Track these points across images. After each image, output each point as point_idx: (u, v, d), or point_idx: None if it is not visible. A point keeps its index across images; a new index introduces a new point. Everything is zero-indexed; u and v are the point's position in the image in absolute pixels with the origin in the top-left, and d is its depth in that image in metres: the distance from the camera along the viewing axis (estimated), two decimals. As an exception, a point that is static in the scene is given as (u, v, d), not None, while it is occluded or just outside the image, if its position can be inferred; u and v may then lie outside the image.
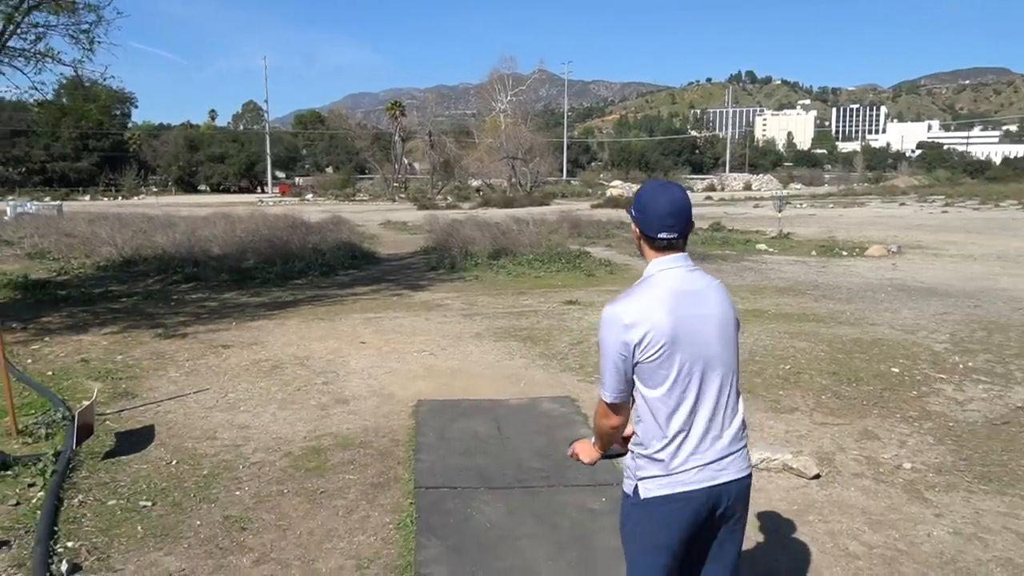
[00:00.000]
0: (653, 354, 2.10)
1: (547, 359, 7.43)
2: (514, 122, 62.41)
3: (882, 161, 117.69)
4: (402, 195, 55.26)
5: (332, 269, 14.16)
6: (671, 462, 2.13)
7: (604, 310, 2.19)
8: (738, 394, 2.23)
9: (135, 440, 5.12)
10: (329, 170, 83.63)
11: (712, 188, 68.43)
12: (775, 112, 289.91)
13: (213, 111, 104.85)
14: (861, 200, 43.06)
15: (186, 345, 7.98)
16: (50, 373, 6.84)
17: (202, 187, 78.69)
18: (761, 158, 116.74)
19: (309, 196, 58.34)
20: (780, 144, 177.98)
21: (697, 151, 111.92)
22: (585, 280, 12.94)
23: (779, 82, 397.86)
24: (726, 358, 2.17)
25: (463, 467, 4.66)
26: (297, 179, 79.79)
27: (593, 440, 2.39)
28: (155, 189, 71.30)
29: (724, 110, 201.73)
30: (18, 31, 8.36)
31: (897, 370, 7.00)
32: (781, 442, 5.18)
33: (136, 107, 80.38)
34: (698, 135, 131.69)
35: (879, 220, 26.83)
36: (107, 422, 5.47)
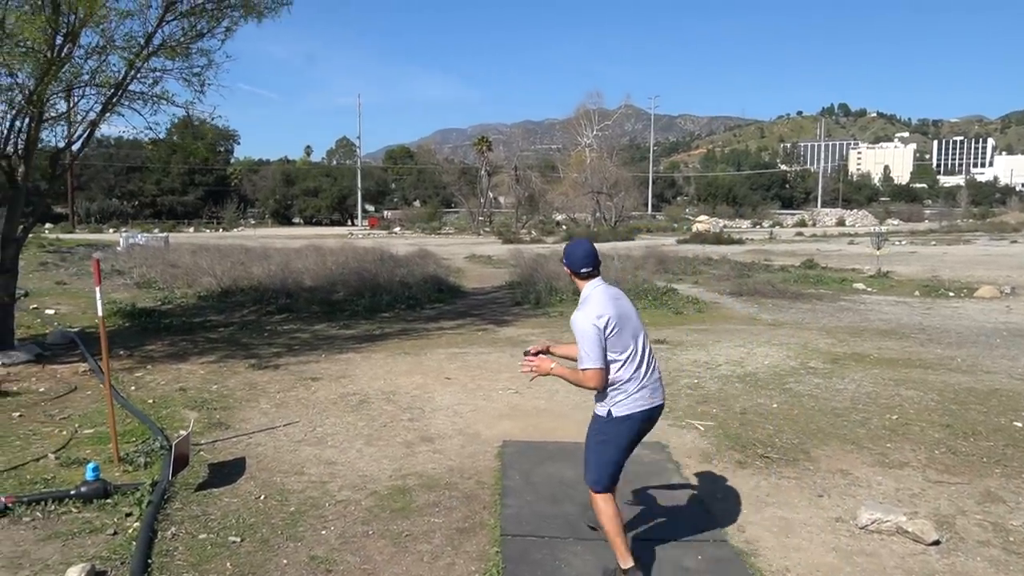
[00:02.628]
0: (612, 331, 3.54)
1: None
2: (599, 157, 62.35)
3: (989, 196, 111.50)
4: (487, 229, 55.86)
5: (418, 303, 14.31)
6: (631, 393, 3.63)
7: (578, 317, 3.62)
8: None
9: (226, 472, 5.20)
10: (417, 204, 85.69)
11: (803, 224, 66.41)
12: (870, 145, 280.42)
13: (308, 147, 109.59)
14: (967, 237, 40.79)
15: (278, 376, 8.15)
16: (151, 401, 7.09)
17: (296, 220, 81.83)
18: (855, 193, 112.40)
19: (397, 229, 59.77)
20: (876, 178, 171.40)
21: (787, 186, 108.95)
22: (672, 318, 12.61)
23: (874, 115, 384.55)
24: (644, 330, 3.81)
25: (551, 515, 4.50)
26: (386, 212, 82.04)
27: (554, 367, 3.75)
28: (253, 221, 74.64)
29: (816, 144, 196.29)
30: (137, 75, 8.87)
31: (1020, 424, 6.44)
32: (892, 501, 4.80)
33: (238, 144, 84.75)
34: (788, 169, 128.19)
35: (988, 259, 25.26)
36: (201, 452, 5.59)
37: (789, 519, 4.57)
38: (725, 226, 55.79)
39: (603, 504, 3.70)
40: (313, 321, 12.26)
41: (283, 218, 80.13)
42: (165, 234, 36.83)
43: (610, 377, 3.59)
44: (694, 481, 5.16)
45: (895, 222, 67.44)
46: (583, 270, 3.79)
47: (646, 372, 3.67)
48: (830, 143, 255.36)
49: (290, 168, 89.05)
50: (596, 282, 3.78)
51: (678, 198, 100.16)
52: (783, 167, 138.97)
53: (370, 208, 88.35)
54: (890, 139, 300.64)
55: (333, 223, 78.85)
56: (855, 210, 79.53)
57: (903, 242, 36.10)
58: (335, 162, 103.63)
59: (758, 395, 7.40)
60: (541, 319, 12.46)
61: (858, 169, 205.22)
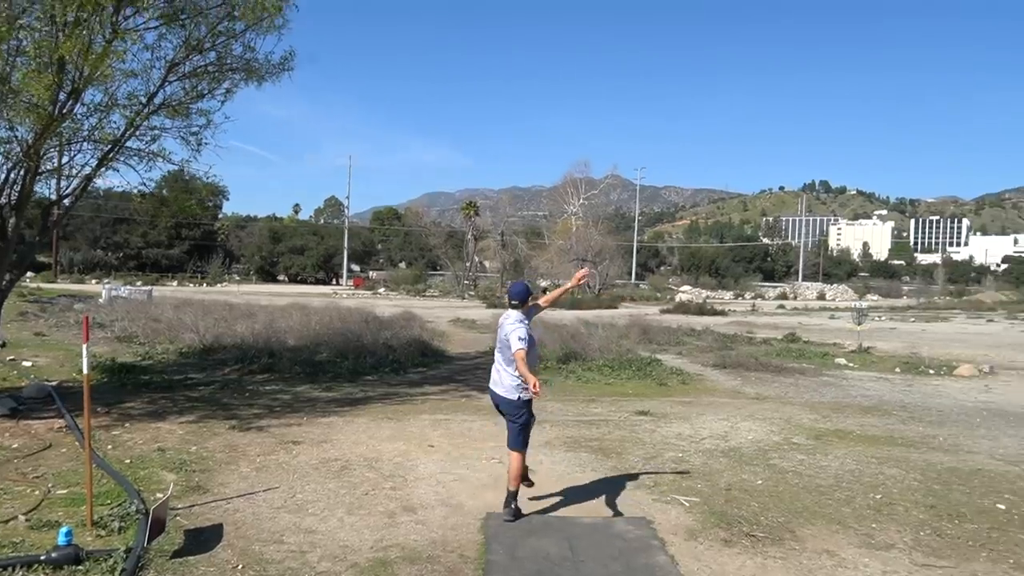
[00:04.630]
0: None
1: (619, 473, 7.15)
2: (585, 225, 63.24)
3: (965, 274, 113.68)
4: (472, 293, 56.00)
5: (402, 366, 14.21)
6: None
7: (518, 329, 5.62)
8: None
9: (203, 539, 5.07)
10: (402, 265, 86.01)
11: (784, 297, 67.12)
12: (850, 222, 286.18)
13: (297, 205, 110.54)
14: (944, 315, 41.39)
15: (258, 439, 8.02)
16: (128, 461, 6.94)
17: (281, 277, 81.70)
18: (835, 268, 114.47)
19: (382, 290, 59.76)
20: (855, 254, 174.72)
21: (769, 259, 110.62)
22: (657, 389, 12.61)
23: (854, 192, 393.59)
24: (503, 344, 5.74)
25: (534, 592, 4.41)
26: (371, 273, 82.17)
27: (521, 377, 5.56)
28: (237, 277, 74.35)
29: (797, 218, 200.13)
30: (136, 133, 8.98)
31: (1003, 507, 6.44)
32: (879, 585, 4.75)
33: (227, 199, 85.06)
34: (770, 243, 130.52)
35: (966, 337, 25.61)
36: (177, 517, 5.46)
37: (776, 602, 4.49)
38: (708, 297, 56.28)
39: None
40: (296, 382, 12.13)
41: (268, 275, 80.00)
42: (148, 287, 36.55)
43: (521, 369, 5.56)
44: (680, 559, 5.09)
45: (874, 298, 68.41)
46: (511, 301, 5.76)
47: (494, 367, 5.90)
48: (811, 218, 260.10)
49: (277, 225, 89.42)
50: (511, 314, 5.75)
51: (662, 268, 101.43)
52: (765, 240, 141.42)
53: (356, 268, 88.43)
54: (869, 216, 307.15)
55: (318, 282, 78.77)
56: (835, 285, 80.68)
57: (883, 318, 36.55)
58: (322, 221, 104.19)
59: (743, 471, 7.37)
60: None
61: (838, 244, 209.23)
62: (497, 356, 5.86)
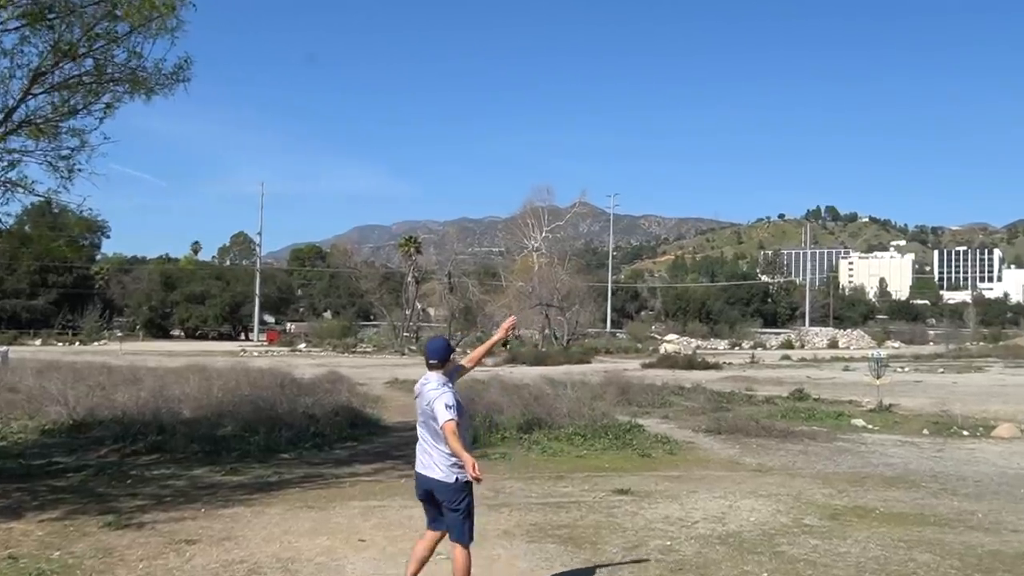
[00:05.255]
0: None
1: (593, 566, 7.09)
2: (549, 263, 63.82)
3: (1000, 315, 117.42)
4: (413, 347, 55.67)
5: (327, 440, 14.01)
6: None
7: (443, 395, 5.63)
8: None
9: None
10: (327, 315, 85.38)
11: (789, 345, 68.35)
12: (863, 255, 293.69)
13: (196, 243, 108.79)
14: (978, 363, 42.50)
15: (141, 539, 7.77)
16: (-30, 573, 6.65)
17: (176, 332, 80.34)
18: (848, 309, 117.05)
19: (302, 346, 59.14)
20: (871, 292, 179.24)
21: (770, 300, 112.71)
22: (638, 462, 12.62)
23: (866, 219, 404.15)
24: (426, 416, 5.79)
25: None
26: (289, 325, 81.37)
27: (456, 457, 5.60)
28: (120, 333, 72.75)
29: (801, 251, 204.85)
30: (-12, 158, 8.83)
31: (1055, 598, 6.54)
32: None
33: (108, 237, 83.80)
34: (770, 281, 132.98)
35: (1005, 390, 26.27)
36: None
37: None
38: (698, 347, 56.97)
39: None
40: (192, 464, 11.85)
41: (159, 330, 78.56)
42: (4, 348, 35.55)
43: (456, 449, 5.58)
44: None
45: (896, 344, 69.98)
46: (429, 360, 5.84)
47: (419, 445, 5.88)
48: (817, 251, 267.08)
49: (171, 268, 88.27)
50: (429, 377, 5.81)
51: (642, 313, 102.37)
52: (764, 278, 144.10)
53: (270, 319, 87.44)
54: (885, 248, 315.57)
55: (223, 337, 77.69)
56: (849, 330, 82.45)
57: (906, 369, 37.36)
58: (228, 262, 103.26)
59: (744, 561, 7.37)
60: (479, 462, 12.28)
61: (850, 282, 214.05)
62: (421, 432, 5.84)
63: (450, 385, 5.75)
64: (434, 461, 5.72)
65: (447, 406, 5.52)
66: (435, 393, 5.66)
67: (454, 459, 5.58)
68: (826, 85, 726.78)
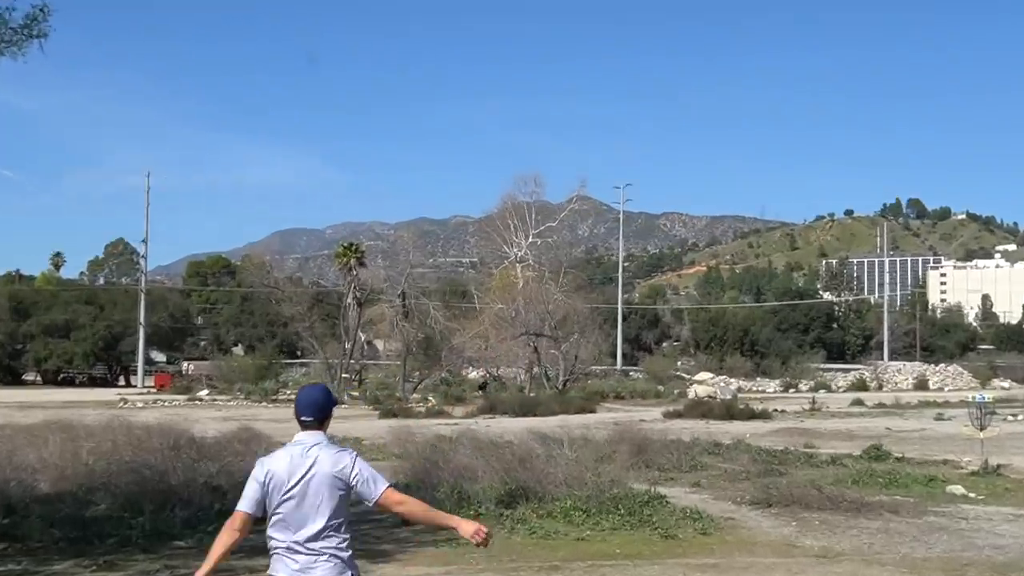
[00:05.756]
0: (272, 489, 5.26)
1: None
2: (538, 277, 64.07)
3: None
4: (355, 393, 55.53)
5: (237, 521, 13.88)
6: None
7: (352, 455, 5.27)
8: None
9: None
10: (238, 351, 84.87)
11: (863, 386, 68.58)
12: (960, 263, 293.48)
13: (58, 255, 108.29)
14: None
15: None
16: None
17: (31, 376, 79.73)
18: (941, 337, 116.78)
19: (204, 393, 58.74)
20: (971, 314, 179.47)
21: (835, 325, 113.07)
22: (660, 546, 12.59)
23: (963, 216, 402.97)
24: (318, 515, 5.21)
25: None
26: (186, 365, 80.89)
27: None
28: (-48, 380, 72.20)
29: (876, 260, 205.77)
30: None
31: None
32: None
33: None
34: (836, 300, 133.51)
35: None
36: None
37: None
38: (740, 389, 57.11)
39: None
40: (52, 557, 11.73)
41: (8, 373, 77.88)
42: None
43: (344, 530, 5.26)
44: None
45: (1005, 384, 70.15)
46: (302, 418, 5.36)
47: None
48: (898, 259, 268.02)
49: (23, 290, 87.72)
50: (305, 438, 5.29)
51: (664, 344, 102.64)
52: (827, 296, 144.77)
53: (159, 358, 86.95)
54: (989, 254, 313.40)
55: (96, 382, 77.15)
56: (942, 365, 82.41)
57: (1020, 417, 37.40)
58: (103, 280, 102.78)
59: None
60: (444, 549, 12.24)
61: (943, 300, 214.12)
62: (278, 534, 5.18)
63: (349, 449, 5.30)
64: (318, 569, 5.06)
65: (371, 470, 5.14)
66: (336, 458, 5.11)
67: (348, 551, 5.14)
68: (906, 47, 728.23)
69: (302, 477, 5.09)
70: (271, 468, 5.17)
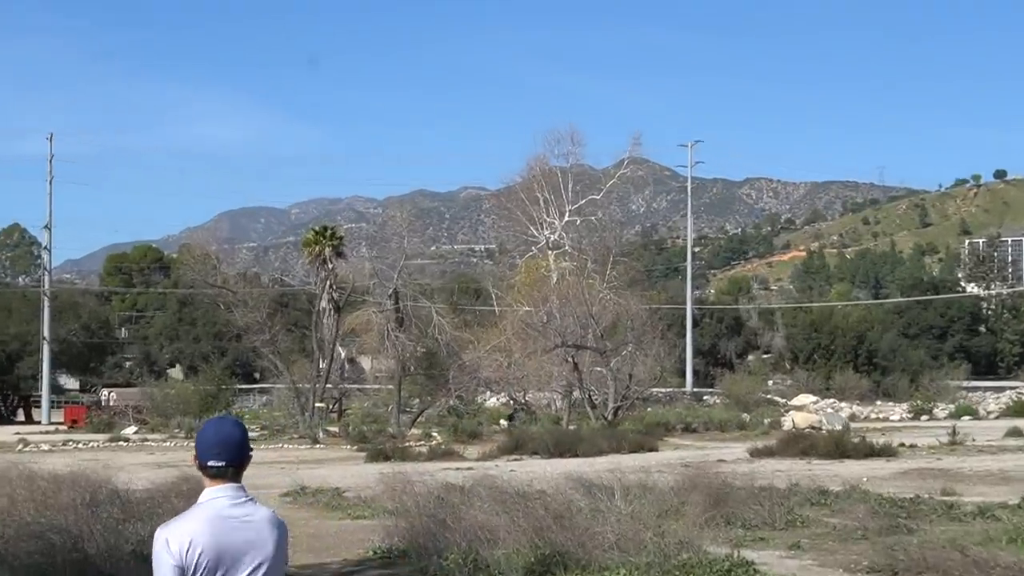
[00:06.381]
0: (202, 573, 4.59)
1: None
2: (578, 269, 63.96)
3: None
4: (332, 428, 55.61)
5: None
6: None
7: (157, 533, 4.66)
8: None
9: None
10: (176, 373, 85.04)
11: (1022, 410, 67.94)
12: None
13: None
14: None
15: None
16: None
17: None
18: None
19: (131, 430, 58.94)
20: None
21: (983, 328, 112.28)
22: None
23: None
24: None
25: None
26: (106, 393, 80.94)
27: None
28: None
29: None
30: None
31: None
32: None
33: None
34: (982, 293, 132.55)
35: None
36: None
37: None
38: (854, 417, 56.88)
39: None
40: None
41: None
42: None
43: None
44: None
45: None
46: (211, 463, 4.77)
47: None
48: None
49: None
50: (222, 490, 4.79)
51: (749, 357, 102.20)
52: (972, 288, 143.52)
53: (71, 385, 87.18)
54: None
55: (-17, 418, 77.44)
56: None
57: None
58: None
59: None
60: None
61: None
62: None
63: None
64: None
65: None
66: (281, 526, 4.88)
67: None
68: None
69: (252, 559, 4.72)
70: (194, 541, 4.55)
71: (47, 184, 79.96)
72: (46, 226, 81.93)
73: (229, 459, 4.74)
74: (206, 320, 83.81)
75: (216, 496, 4.69)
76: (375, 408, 63.26)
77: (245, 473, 4.74)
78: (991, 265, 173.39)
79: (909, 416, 66.31)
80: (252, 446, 5.25)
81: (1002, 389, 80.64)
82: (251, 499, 4.82)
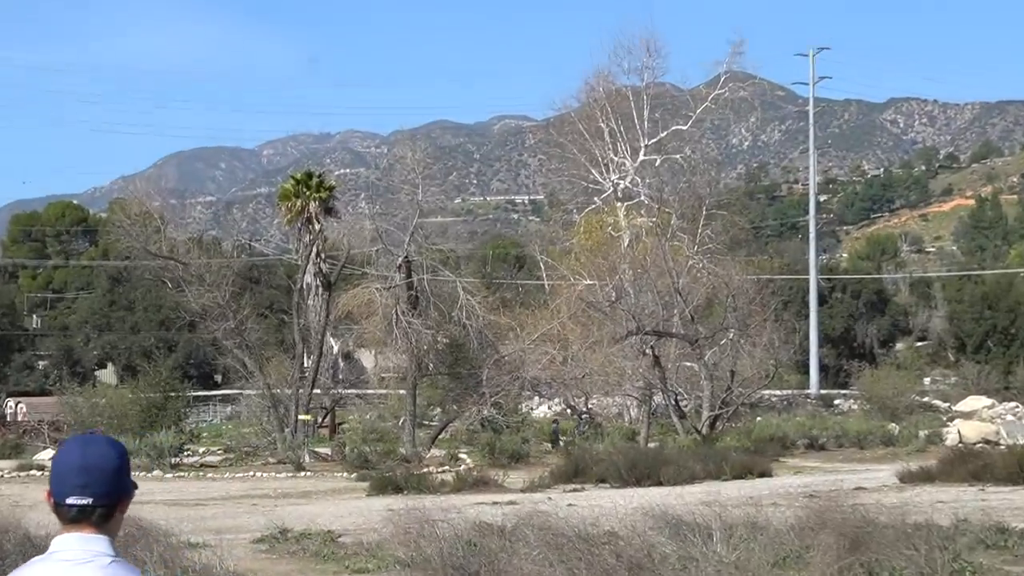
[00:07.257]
0: None
1: None
2: (659, 227, 64.08)
3: None
4: (322, 449, 56.04)
5: None
6: None
7: None
8: None
9: None
10: (107, 374, 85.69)
11: None
12: None
13: None
14: None
15: None
16: None
17: None
18: None
19: (47, 454, 59.37)
20: None
21: None
22: None
23: None
24: None
25: None
26: (12, 404, 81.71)
27: None
28: None
29: None
30: None
31: None
32: None
33: None
34: None
35: None
36: None
37: None
38: (1042, 425, 56.81)
39: None
40: None
41: None
42: None
43: None
44: None
45: None
46: (70, 501, 4.28)
47: None
48: None
49: None
50: (73, 545, 4.30)
51: (898, 346, 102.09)
52: None
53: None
54: None
55: None
56: None
57: None
58: None
59: None
60: None
61: None
62: None
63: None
64: None
65: None
66: None
67: None
68: None
69: None
70: None
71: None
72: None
73: (96, 495, 4.25)
74: (147, 303, 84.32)
75: (59, 550, 4.30)
76: (381, 421, 63.63)
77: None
78: None
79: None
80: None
81: None
82: (115, 561, 4.29)
